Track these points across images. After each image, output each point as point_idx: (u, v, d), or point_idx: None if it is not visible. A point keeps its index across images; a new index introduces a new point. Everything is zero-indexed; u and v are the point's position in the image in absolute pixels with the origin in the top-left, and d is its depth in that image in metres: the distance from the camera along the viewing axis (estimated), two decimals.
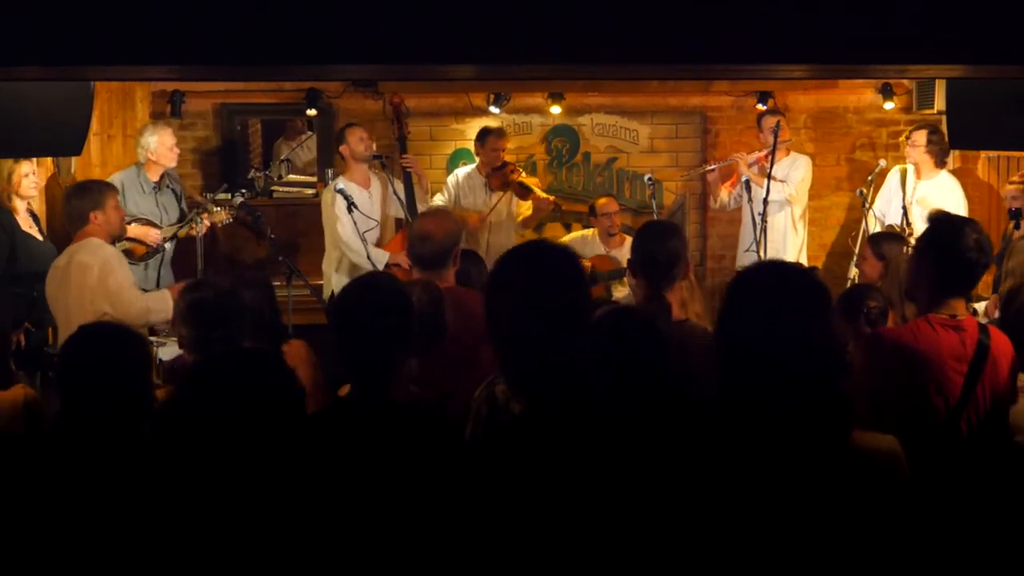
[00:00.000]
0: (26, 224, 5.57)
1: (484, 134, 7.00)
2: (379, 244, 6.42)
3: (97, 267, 4.75)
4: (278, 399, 2.26)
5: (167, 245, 6.23)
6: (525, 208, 7.02)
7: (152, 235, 6.10)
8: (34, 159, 5.70)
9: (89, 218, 4.83)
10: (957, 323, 3.20)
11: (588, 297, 2.68)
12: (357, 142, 6.43)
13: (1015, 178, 6.36)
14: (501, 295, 2.61)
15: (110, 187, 5.08)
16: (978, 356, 3.15)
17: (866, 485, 2.22)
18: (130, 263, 6.00)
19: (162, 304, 4.86)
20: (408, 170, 6.55)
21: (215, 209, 6.25)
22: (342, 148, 6.51)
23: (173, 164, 6.37)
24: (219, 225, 6.31)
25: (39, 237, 5.65)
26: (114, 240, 5.12)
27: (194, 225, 6.08)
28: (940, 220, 3.42)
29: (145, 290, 5.78)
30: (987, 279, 6.59)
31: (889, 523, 2.23)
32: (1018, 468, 3.14)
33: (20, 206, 5.58)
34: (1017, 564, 2.90)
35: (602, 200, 7.01)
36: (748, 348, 2.28)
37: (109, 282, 4.77)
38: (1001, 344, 3.23)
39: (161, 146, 6.23)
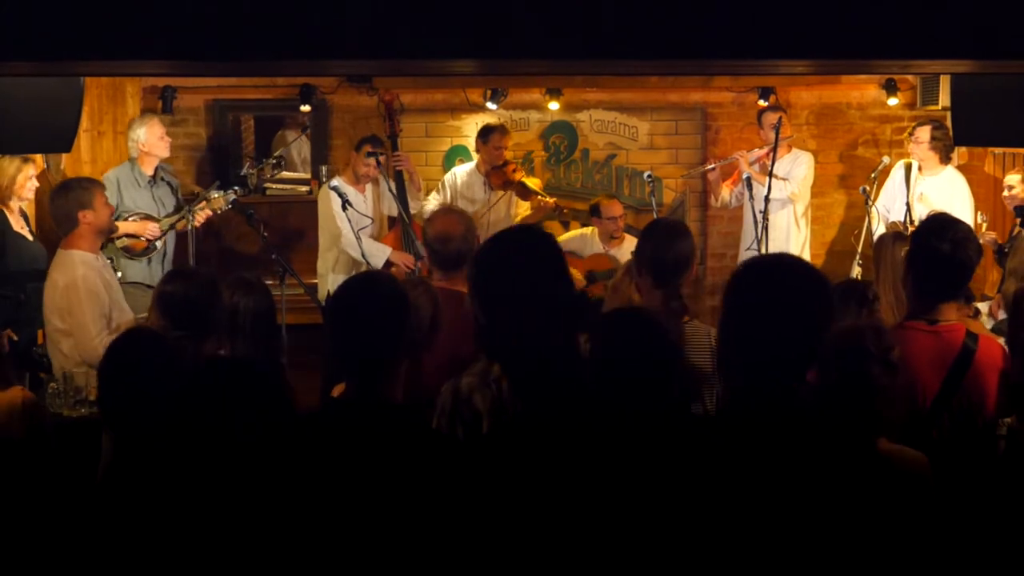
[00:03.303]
0: (18, 224, 5.50)
1: (487, 132, 6.89)
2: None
3: (63, 284, 4.55)
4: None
5: (161, 240, 6.14)
6: (524, 209, 6.95)
7: (150, 228, 6.02)
8: (31, 160, 5.62)
9: (78, 218, 4.61)
10: (936, 328, 3.06)
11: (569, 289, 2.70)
12: (366, 166, 6.35)
13: (1013, 176, 6.26)
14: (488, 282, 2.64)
15: (96, 183, 4.90)
16: (959, 364, 3.00)
17: (893, 495, 2.17)
18: (132, 259, 5.97)
19: None
20: (398, 169, 6.47)
21: (214, 195, 6.15)
22: (354, 154, 6.43)
23: (166, 154, 6.30)
24: (218, 212, 6.21)
25: (29, 237, 5.58)
26: (106, 237, 5.01)
27: (192, 216, 5.99)
28: (925, 220, 3.36)
29: (149, 286, 5.69)
30: (993, 278, 6.54)
31: (915, 534, 2.18)
32: (992, 479, 3.01)
33: (14, 206, 5.51)
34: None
35: (606, 202, 6.84)
36: (759, 344, 2.25)
37: (71, 309, 4.54)
38: (990, 353, 3.07)
39: (151, 136, 6.15)
